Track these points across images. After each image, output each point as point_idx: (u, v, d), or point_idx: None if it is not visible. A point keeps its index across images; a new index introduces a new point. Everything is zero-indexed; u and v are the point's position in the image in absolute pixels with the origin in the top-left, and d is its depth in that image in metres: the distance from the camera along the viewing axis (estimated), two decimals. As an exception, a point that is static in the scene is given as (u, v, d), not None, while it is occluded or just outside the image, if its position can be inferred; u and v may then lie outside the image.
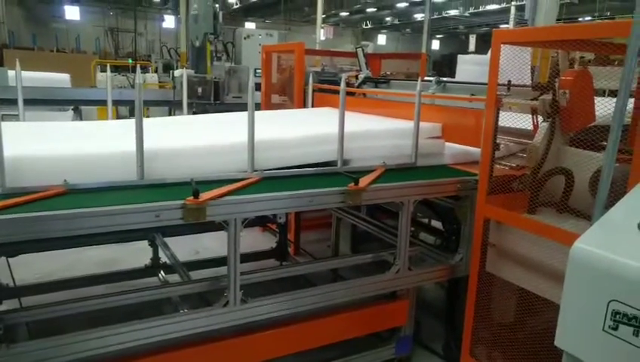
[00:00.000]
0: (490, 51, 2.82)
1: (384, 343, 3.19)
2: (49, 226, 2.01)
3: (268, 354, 2.75)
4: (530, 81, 3.08)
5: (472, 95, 3.72)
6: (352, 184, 2.61)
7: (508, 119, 3.04)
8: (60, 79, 9.40)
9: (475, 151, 3.23)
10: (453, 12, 27.19)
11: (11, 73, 3.33)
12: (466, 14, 26.73)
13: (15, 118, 3.52)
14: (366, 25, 34.30)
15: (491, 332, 2.99)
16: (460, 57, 8.29)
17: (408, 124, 3.18)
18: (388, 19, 32.67)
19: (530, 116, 2.94)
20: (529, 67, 3.11)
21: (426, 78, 4.15)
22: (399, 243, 2.91)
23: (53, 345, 2.13)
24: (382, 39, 36.42)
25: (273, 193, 2.45)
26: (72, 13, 26.17)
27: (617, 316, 1.45)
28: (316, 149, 2.94)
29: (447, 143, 3.44)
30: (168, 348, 2.45)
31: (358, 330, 2.99)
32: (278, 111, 4.82)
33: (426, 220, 4.63)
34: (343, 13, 30.18)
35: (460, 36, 34.65)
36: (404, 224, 2.87)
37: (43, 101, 7.27)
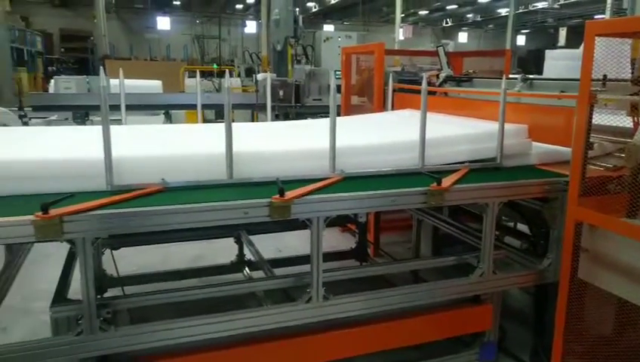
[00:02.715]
0: (582, 45, 2.67)
1: (466, 348, 3.11)
2: (150, 221, 2.19)
3: (347, 352, 2.79)
4: (630, 75, 2.88)
5: (562, 92, 3.53)
6: (435, 184, 2.58)
7: (604, 117, 2.87)
8: (153, 85, 10.09)
9: (566, 151, 3.06)
10: (541, 4, 25.73)
11: (112, 82, 3.62)
12: (556, 6, 25.19)
13: (117, 122, 3.85)
14: (446, 23, 33.46)
15: (584, 344, 2.82)
16: (548, 52, 7.85)
17: (492, 127, 3.08)
18: (469, 15, 31.64)
19: (629, 113, 2.74)
20: (629, 60, 2.90)
21: (510, 76, 4.00)
22: (483, 246, 2.83)
23: (150, 331, 2.31)
24: (463, 37, 35.35)
25: (356, 192, 2.49)
26: (163, 23, 28.07)
27: None
28: (396, 156, 2.91)
29: (534, 143, 3.29)
30: (251, 341, 2.55)
31: (439, 333, 2.94)
32: (359, 116, 4.85)
33: (511, 224, 4.45)
34: (423, 12, 29.67)
35: (548, 30, 32.76)
36: (489, 226, 2.79)
37: (138, 106, 7.85)
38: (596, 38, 2.58)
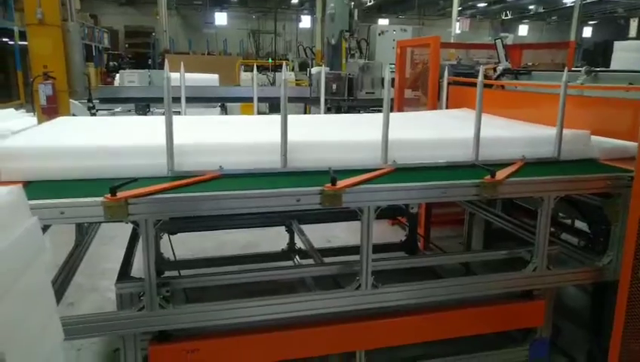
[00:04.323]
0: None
1: (517, 344, 3.06)
2: (207, 205, 2.29)
3: (395, 341, 2.81)
4: None
5: (630, 84, 3.37)
6: (489, 176, 2.54)
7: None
8: (210, 79, 10.42)
9: (631, 145, 2.93)
10: (610, -7, 24.28)
11: (173, 75, 3.83)
12: (626, -6, 23.72)
13: (177, 113, 4.04)
14: (505, 15, 32.24)
15: (644, 346, 2.71)
16: (618, 44, 7.43)
17: (551, 133, 2.98)
18: (531, 7, 30.34)
19: None
20: None
21: (573, 69, 3.85)
22: (537, 240, 2.76)
23: (205, 310, 2.43)
24: (523, 30, 33.99)
25: (407, 183, 2.49)
26: (220, 18, 28.79)
27: None
28: (449, 152, 2.86)
29: (597, 137, 3.16)
30: (297, 326, 2.63)
31: (489, 327, 2.91)
32: (413, 113, 4.81)
33: (568, 221, 4.30)
34: (481, 4, 28.74)
35: (617, 21, 30.88)
36: (544, 220, 2.72)
37: (196, 99, 8.13)
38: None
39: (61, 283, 2.96)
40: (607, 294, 2.88)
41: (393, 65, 6.15)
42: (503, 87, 4.71)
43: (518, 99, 4.17)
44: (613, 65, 6.98)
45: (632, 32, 27.10)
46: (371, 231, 2.50)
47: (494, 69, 4.89)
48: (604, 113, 3.25)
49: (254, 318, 2.48)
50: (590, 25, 32.63)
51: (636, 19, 22.81)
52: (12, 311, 1.13)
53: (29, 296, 1.23)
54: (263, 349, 2.60)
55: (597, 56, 24.27)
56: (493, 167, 2.68)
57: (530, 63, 5.78)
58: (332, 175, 2.38)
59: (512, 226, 3.30)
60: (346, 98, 7.95)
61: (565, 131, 2.97)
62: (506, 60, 4.92)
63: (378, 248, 4.05)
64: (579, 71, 3.97)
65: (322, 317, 2.62)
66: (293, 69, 16.52)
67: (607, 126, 3.22)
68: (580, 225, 4.08)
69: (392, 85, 5.82)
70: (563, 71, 2.94)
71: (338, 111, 7.98)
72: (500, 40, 4.98)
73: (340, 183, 2.37)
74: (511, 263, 3.05)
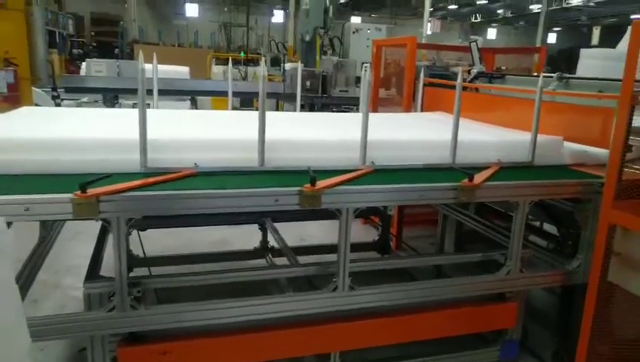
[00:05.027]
0: (620, 44, 2.61)
1: (488, 345, 3.10)
2: (182, 204, 2.22)
3: (370, 342, 2.81)
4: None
5: (600, 92, 3.45)
6: (466, 180, 2.56)
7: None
8: (181, 72, 10.21)
9: (601, 152, 3.01)
10: (575, 1, 25.04)
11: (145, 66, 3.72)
12: (591, 4, 24.49)
13: (147, 107, 3.91)
14: (475, 18, 32.88)
15: (611, 348, 2.79)
16: (584, 51, 7.62)
17: (525, 138, 3.03)
18: (499, 11, 31.03)
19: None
20: None
21: (544, 75, 3.92)
22: (512, 244, 2.81)
23: (177, 311, 2.36)
24: (492, 33, 34.73)
25: (386, 185, 2.48)
26: (191, 10, 28.26)
27: None
28: (426, 153, 2.88)
29: (569, 143, 3.23)
30: (271, 327, 2.58)
31: (462, 328, 2.94)
32: (389, 114, 4.81)
33: (536, 223, 4.40)
34: (452, 7, 29.19)
35: (580, 29, 31.93)
36: (519, 224, 2.76)
37: (166, 91, 7.94)
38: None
39: (25, 280, 2.83)
40: (575, 297, 2.95)
41: (368, 65, 6.15)
42: (477, 90, 4.78)
43: (491, 102, 4.23)
44: (580, 72, 7.18)
45: (595, 40, 28.04)
46: (349, 233, 2.48)
47: (468, 72, 4.94)
48: (576, 120, 3.33)
49: (228, 320, 2.42)
50: (555, 31, 33.63)
51: (599, 28, 23.63)
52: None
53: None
54: (237, 351, 2.55)
55: (560, 62, 25.01)
56: (469, 170, 2.70)
57: (503, 67, 5.88)
58: (311, 175, 2.34)
59: (485, 228, 3.35)
60: (320, 95, 7.93)
61: (539, 137, 3.02)
62: (480, 63, 4.98)
63: (352, 248, 4.07)
64: (551, 77, 4.05)
65: (297, 319, 2.58)
66: (265, 64, 16.34)
67: (577, 132, 3.29)
68: (548, 227, 4.17)
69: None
70: (531, 75, 2.99)
71: (312, 108, 7.95)
72: (475, 42, 5.04)
73: (320, 184, 2.34)
74: (482, 265, 3.09)
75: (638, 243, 2.61)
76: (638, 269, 2.62)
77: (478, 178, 2.60)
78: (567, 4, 25.69)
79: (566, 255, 3.10)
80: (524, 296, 3.03)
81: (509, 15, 31.04)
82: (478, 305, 2.95)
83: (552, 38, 32.83)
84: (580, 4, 25.03)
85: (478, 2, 28.55)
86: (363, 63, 7.94)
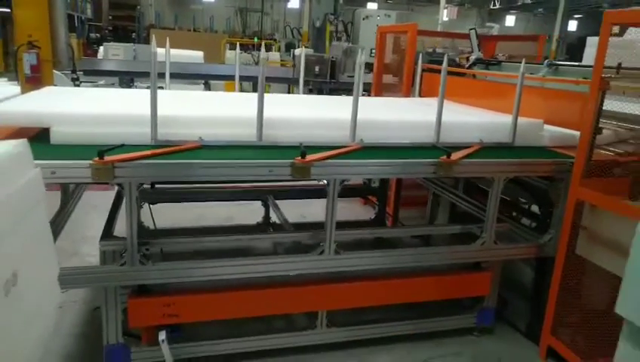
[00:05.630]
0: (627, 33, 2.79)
1: (466, 312, 3.36)
2: (186, 172, 2.51)
3: (355, 303, 3.10)
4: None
5: (585, 78, 3.64)
6: (445, 157, 2.80)
7: (624, 104, 3.00)
8: (195, 56, 10.47)
9: (578, 135, 3.21)
10: (597, -13, 24.57)
11: (158, 50, 3.99)
12: (613, -11, 24.06)
13: (160, 89, 4.19)
14: (494, 5, 32.46)
15: (576, 315, 3.02)
16: (590, 39, 7.71)
17: (506, 119, 3.25)
18: (519, -3, 30.60)
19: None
20: None
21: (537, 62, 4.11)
22: (487, 217, 3.05)
23: (181, 267, 2.66)
24: (510, 20, 34.32)
25: (370, 160, 2.74)
26: (208, -6, 28.40)
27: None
28: (413, 134, 3.10)
29: (550, 126, 3.44)
30: (265, 286, 2.89)
31: (441, 294, 3.20)
32: (386, 98, 5.02)
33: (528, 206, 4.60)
34: (470, -7, 28.90)
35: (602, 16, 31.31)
36: (493, 199, 3.00)
37: (180, 75, 8.23)
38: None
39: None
40: (547, 268, 3.18)
41: (360, 50, 6.31)
42: (474, 76, 4.97)
43: (486, 88, 4.43)
44: (585, 60, 7.28)
45: (615, 28, 27.52)
46: (336, 202, 2.75)
47: (467, 59, 5.14)
48: (558, 104, 3.53)
49: (225, 277, 2.72)
50: (575, 19, 33.07)
51: (619, 16, 23.17)
52: (22, 242, 1.35)
53: (32, 233, 1.44)
54: (233, 306, 2.86)
55: (580, 50, 24.64)
56: (452, 149, 2.94)
57: (500, 55, 6.04)
58: (302, 149, 2.61)
59: (470, 206, 3.58)
60: (328, 80, 8.15)
61: (521, 119, 3.24)
62: (479, 50, 5.17)
63: (348, 224, 4.33)
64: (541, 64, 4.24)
65: (289, 279, 2.87)
66: (279, 50, 16.55)
67: (560, 116, 3.50)
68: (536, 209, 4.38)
69: (372, 70, 6.04)
70: (532, 63, 3.19)
71: (320, 93, 8.19)
72: (473, 30, 5.22)
73: (309, 157, 2.61)
74: (469, 239, 3.33)
75: (603, 219, 2.84)
76: (602, 243, 2.84)
77: (456, 155, 2.84)
78: (589, -11, 25.25)
79: (542, 230, 3.33)
80: (499, 267, 3.28)
81: (528, 2, 30.61)
82: (456, 273, 3.21)
83: (572, 26, 32.33)
84: (601, -11, 24.59)
85: (496, -12, 28.26)
86: (372, 49, 8.11)
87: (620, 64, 2.91)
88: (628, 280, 1.71)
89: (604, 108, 2.89)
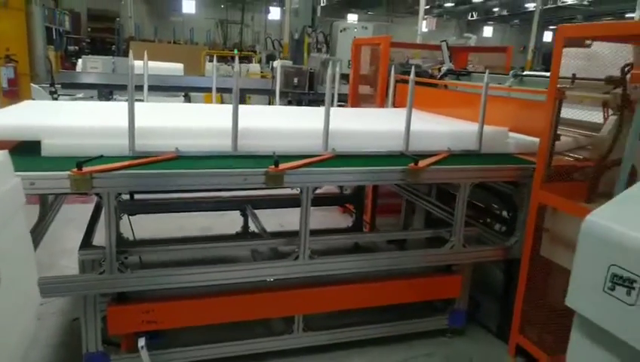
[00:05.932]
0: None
1: (438, 314, 3.48)
2: (163, 182, 2.60)
3: (329, 307, 3.20)
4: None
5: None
6: (412, 164, 2.93)
7: (581, 113, 3.18)
8: (175, 68, 10.53)
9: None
10: (570, 0, 25.34)
11: (137, 63, 4.08)
12: (585, 3, 24.79)
13: (139, 102, 4.26)
14: (472, 16, 33.21)
15: (542, 314, 3.16)
16: (564, 51, 8.02)
17: (474, 128, 3.40)
18: (496, 9, 31.36)
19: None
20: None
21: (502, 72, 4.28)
22: (455, 222, 3.19)
23: (159, 275, 2.74)
24: (488, 31, 35.12)
25: (341, 168, 2.86)
26: (188, 6, 28.53)
27: (615, 278, 1.70)
28: (384, 143, 3.22)
29: (516, 134, 3.60)
30: (242, 291, 2.97)
31: (413, 296, 3.32)
32: (360, 109, 5.17)
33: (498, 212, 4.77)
34: (448, 4, 29.52)
35: (575, 28, 32.16)
36: (461, 203, 3.14)
37: (159, 88, 8.27)
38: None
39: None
40: (515, 271, 3.32)
41: (335, 62, 6.49)
42: (446, 86, 5.15)
43: (456, 98, 4.60)
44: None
45: (588, 40, 28.29)
46: (309, 208, 2.85)
47: (439, 69, 5.32)
48: (522, 113, 3.71)
49: (203, 283, 2.79)
50: (551, 30, 33.96)
51: (592, 27, 23.87)
52: (2, 247, 1.42)
53: (13, 239, 1.52)
54: (211, 312, 2.93)
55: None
56: (420, 157, 3.07)
57: (475, 65, 6.25)
58: (275, 158, 2.71)
59: (441, 211, 3.72)
60: (307, 92, 8.29)
61: (487, 128, 3.40)
62: (450, 62, 5.36)
63: (327, 232, 4.44)
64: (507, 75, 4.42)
65: (266, 285, 2.96)
66: (260, 61, 16.69)
67: (524, 124, 3.67)
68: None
69: (348, 81, 6.19)
70: (500, 74, 3.35)
71: (299, 104, 8.31)
72: (445, 42, 5.41)
73: (283, 166, 2.71)
74: (441, 245, 3.46)
75: (563, 221, 2.99)
76: (563, 244, 3.00)
77: (423, 163, 2.97)
78: (562, 2, 26.00)
79: (509, 234, 3.47)
80: (469, 269, 3.41)
81: (505, 13, 31.38)
82: (428, 276, 3.34)
83: (548, 37, 33.16)
84: (574, 2, 25.33)
85: (474, 0, 28.88)
86: (349, 61, 8.28)
87: (574, 75, 3.10)
88: (575, 274, 1.84)
89: (564, 116, 3.06)
